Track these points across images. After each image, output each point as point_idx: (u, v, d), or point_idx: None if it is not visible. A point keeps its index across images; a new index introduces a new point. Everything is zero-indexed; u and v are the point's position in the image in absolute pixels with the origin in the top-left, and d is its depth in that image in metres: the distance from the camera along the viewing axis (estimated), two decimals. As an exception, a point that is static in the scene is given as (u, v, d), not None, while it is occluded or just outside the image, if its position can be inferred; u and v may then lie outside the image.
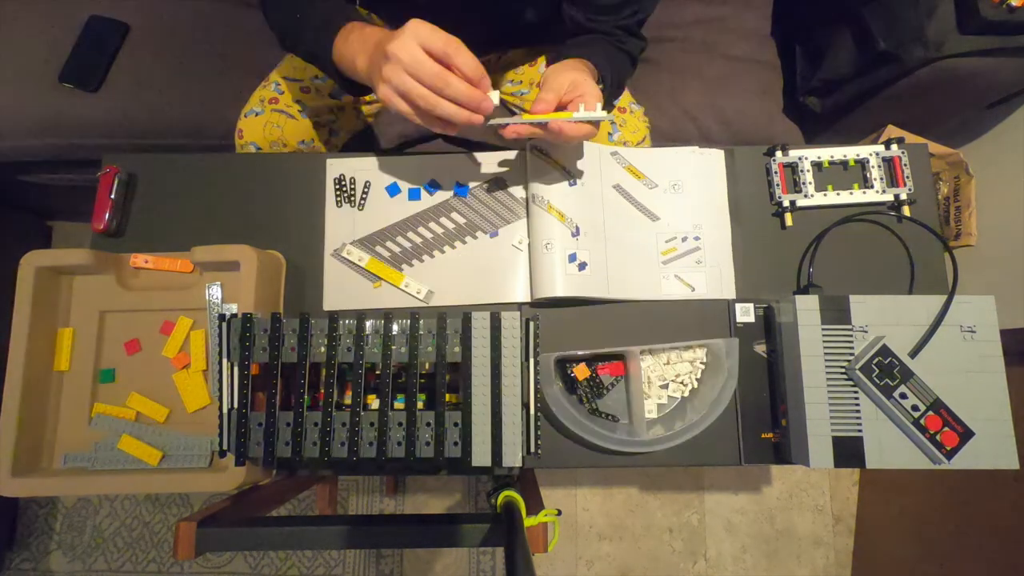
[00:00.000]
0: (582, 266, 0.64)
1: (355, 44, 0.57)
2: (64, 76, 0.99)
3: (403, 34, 0.49)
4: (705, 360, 0.65)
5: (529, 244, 0.67)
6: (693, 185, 0.70)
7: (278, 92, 0.82)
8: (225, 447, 0.54)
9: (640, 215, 0.69)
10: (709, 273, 0.67)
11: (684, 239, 0.68)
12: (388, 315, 0.55)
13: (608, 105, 0.70)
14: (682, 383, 0.64)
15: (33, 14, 1.03)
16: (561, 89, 0.55)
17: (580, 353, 0.63)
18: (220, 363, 0.54)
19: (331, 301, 0.67)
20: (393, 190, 0.69)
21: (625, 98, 0.87)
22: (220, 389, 0.54)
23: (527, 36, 0.86)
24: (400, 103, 0.51)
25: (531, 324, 0.55)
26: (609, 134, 0.83)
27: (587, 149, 0.68)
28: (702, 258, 0.67)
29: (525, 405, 0.54)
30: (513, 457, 0.53)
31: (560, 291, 0.62)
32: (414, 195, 0.69)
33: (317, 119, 0.83)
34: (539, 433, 0.55)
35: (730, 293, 0.67)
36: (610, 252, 0.66)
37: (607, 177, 0.69)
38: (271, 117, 0.81)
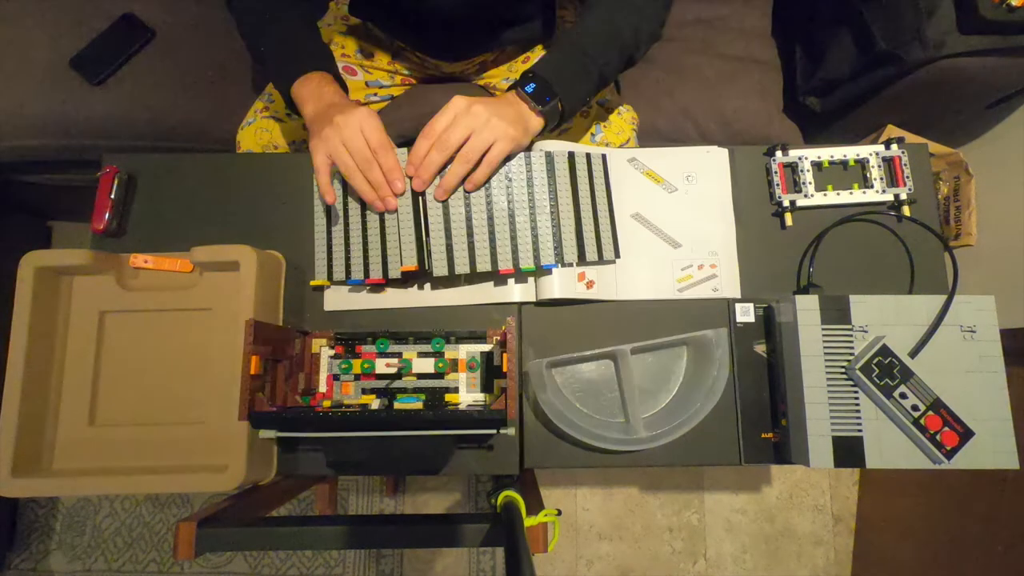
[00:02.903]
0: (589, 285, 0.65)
1: (310, 90, 0.64)
2: (75, 62, 0.99)
3: (351, 113, 0.59)
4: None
5: None
6: (698, 185, 0.70)
7: (269, 101, 0.84)
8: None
9: (659, 241, 0.68)
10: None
11: (700, 267, 0.67)
12: None
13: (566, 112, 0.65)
14: None
15: (51, 9, 1.03)
16: (451, 149, 0.59)
17: (568, 356, 0.63)
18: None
19: (332, 302, 0.67)
20: None
21: (614, 99, 0.87)
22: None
23: (522, 32, 0.85)
24: (322, 160, 0.60)
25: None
26: (592, 134, 0.83)
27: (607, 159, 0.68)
28: (718, 286, 0.67)
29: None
30: (547, 256, 0.63)
31: (560, 292, 0.63)
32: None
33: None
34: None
35: (735, 292, 0.67)
36: (620, 263, 0.66)
37: (626, 197, 0.69)
38: (261, 123, 0.82)
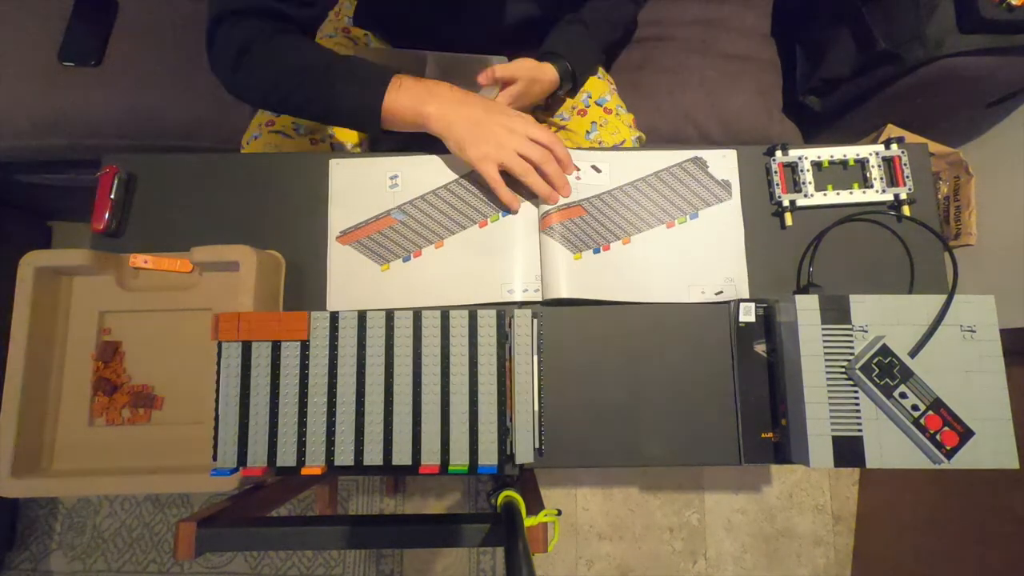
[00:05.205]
0: (596, 250, 0.64)
1: (414, 93, 0.61)
2: (64, 55, 0.99)
3: (516, 121, 0.63)
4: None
5: (539, 237, 0.66)
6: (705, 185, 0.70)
7: (274, 115, 0.83)
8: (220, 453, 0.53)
9: (666, 241, 0.68)
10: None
11: (718, 293, 0.66)
12: (362, 315, 0.55)
13: (579, 79, 0.78)
14: None
15: (22, 8, 1.03)
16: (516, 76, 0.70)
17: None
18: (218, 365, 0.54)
19: (335, 302, 0.67)
20: None
21: (613, 100, 0.87)
22: (217, 393, 0.54)
23: (531, 37, 0.86)
24: (496, 172, 0.62)
25: (534, 321, 0.55)
26: (587, 132, 0.83)
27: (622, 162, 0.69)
28: (730, 288, 0.66)
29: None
30: (489, 457, 0.53)
31: (568, 291, 0.62)
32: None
33: (314, 135, 0.84)
34: (543, 432, 0.55)
35: (743, 292, 0.67)
36: (628, 264, 0.66)
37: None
38: (269, 139, 0.82)
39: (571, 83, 0.77)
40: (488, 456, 0.53)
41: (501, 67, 0.70)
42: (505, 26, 0.78)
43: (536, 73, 0.73)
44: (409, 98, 0.60)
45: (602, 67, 0.94)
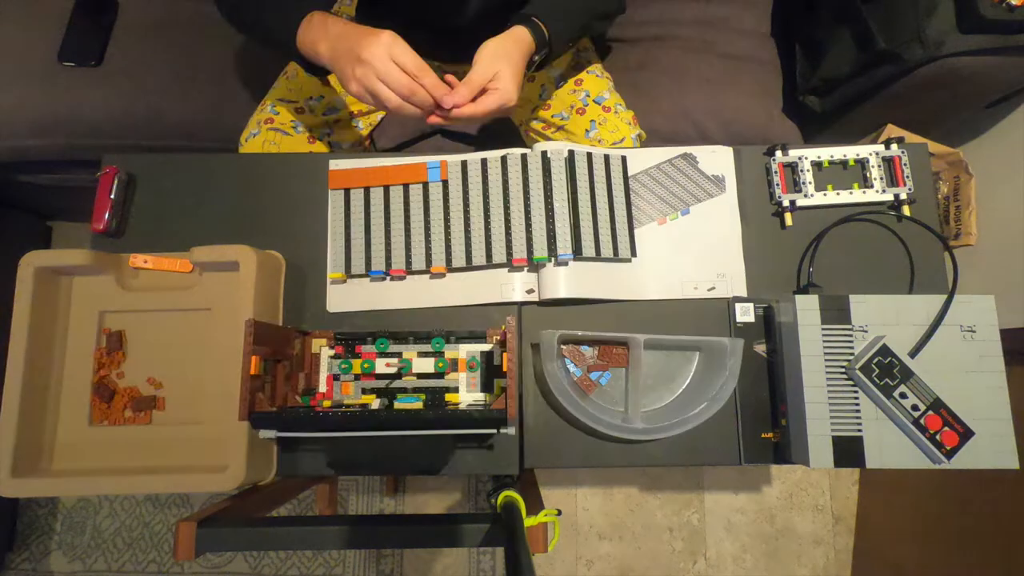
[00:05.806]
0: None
1: (316, 31, 0.64)
2: (63, 55, 0.99)
3: (377, 44, 0.58)
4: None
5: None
6: (704, 184, 0.70)
7: (273, 113, 0.84)
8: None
9: (665, 240, 0.68)
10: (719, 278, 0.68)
11: (707, 267, 0.67)
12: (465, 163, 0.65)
13: (554, 47, 0.70)
14: None
15: (21, 8, 1.03)
16: (482, 83, 0.63)
17: (582, 334, 0.63)
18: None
19: (335, 302, 0.67)
20: None
21: (612, 98, 0.87)
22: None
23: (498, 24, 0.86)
24: (368, 98, 0.61)
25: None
26: (586, 131, 0.83)
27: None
28: (725, 285, 0.67)
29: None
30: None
31: (565, 291, 0.63)
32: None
33: (311, 133, 0.85)
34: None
35: (741, 291, 0.67)
36: (627, 264, 0.66)
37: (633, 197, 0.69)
38: (268, 135, 0.82)
39: (546, 49, 0.68)
40: (564, 248, 0.63)
41: (458, 90, 0.63)
42: (471, 8, 0.76)
43: (500, 51, 0.65)
44: (311, 35, 0.64)
45: (599, 64, 0.94)
